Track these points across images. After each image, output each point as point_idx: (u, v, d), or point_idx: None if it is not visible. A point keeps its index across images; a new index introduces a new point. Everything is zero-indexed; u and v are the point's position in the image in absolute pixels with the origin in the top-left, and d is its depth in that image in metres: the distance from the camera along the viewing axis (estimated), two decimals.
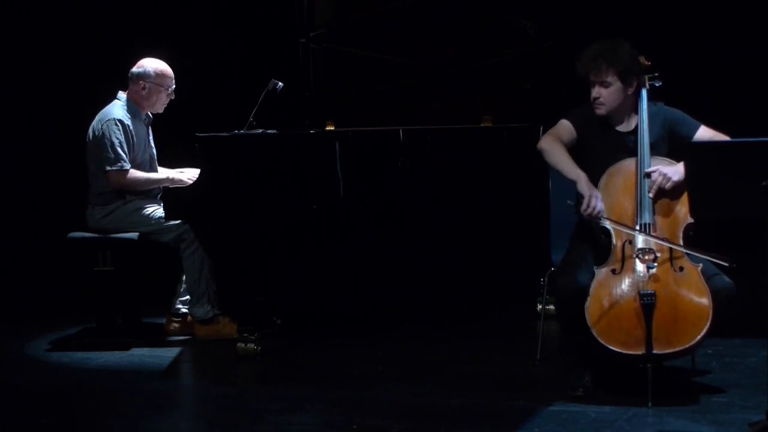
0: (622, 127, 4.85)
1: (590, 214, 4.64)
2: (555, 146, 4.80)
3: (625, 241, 4.62)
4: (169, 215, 5.74)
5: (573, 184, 4.71)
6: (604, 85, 4.75)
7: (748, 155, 4.01)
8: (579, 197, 4.70)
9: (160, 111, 6.02)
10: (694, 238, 4.67)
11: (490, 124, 6.05)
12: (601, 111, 4.81)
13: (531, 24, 6.11)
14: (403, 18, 6.14)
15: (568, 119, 4.89)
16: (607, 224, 4.64)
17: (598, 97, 4.78)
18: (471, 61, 6.18)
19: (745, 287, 4.56)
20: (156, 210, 5.86)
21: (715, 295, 4.44)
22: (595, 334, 4.48)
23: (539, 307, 5.87)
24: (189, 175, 5.91)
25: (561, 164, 4.78)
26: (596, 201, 4.64)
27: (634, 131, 4.79)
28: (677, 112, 4.86)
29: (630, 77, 4.76)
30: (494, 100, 6.15)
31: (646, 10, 7.21)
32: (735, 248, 4.53)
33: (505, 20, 6.15)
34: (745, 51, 7.25)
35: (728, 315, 4.48)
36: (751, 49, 7.23)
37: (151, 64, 5.95)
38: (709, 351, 5.19)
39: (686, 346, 4.43)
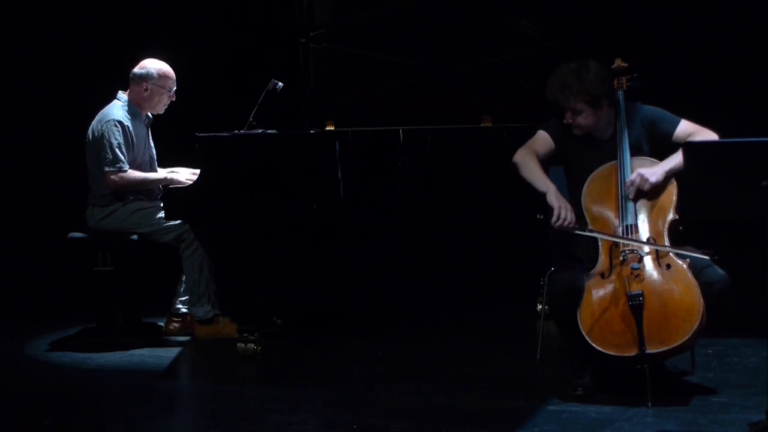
0: (602, 134, 4.82)
1: (561, 225, 4.63)
2: (527, 159, 4.82)
3: (611, 244, 4.60)
4: (169, 215, 5.74)
5: (543, 196, 4.70)
6: (575, 112, 4.73)
7: (746, 155, 4.01)
8: (550, 209, 4.68)
9: (161, 112, 6.03)
10: (684, 234, 4.66)
11: (490, 124, 6.05)
12: (577, 132, 4.80)
13: (531, 24, 6.10)
14: (403, 18, 6.13)
15: (545, 130, 4.89)
16: (587, 233, 4.63)
17: (572, 123, 4.77)
18: (471, 61, 6.17)
19: (745, 287, 4.55)
20: (156, 210, 5.86)
21: (708, 288, 4.41)
22: (589, 340, 4.47)
23: (539, 307, 5.87)
24: (184, 175, 5.90)
25: (532, 177, 4.79)
26: (566, 212, 4.64)
27: (614, 135, 4.77)
28: (655, 110, 4.83)
29: (600, 100, 4.71)
30: (494, 100, 6.15)
31: (644, 9, 7.20)
32: (735, 248, 4.53)
33: (505, 20, 6.14)
34: (743, 51, 7.24)
35: (724, 307, 4.46)
36: (750, 49, 7.23)
37: (154, 66, 5.95)
38: (709, 351, 5.19)
39: (679, 342, 4.40)
